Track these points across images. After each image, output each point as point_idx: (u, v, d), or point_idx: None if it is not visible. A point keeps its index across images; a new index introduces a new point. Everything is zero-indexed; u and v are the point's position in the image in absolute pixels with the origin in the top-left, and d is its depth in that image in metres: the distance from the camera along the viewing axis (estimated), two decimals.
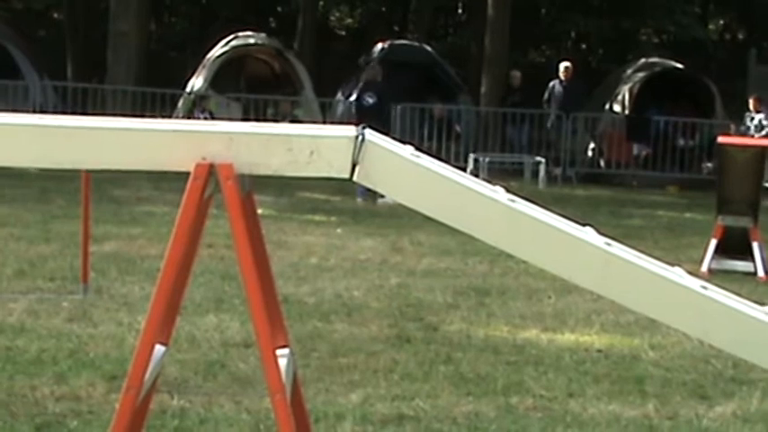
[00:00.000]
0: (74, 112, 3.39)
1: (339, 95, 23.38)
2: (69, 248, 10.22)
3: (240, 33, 22.97)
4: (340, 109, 22.55)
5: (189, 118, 18.93)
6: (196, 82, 22.21)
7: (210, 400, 6.13)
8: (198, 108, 21.25)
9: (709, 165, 21.36)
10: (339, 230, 13.45)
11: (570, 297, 9.47)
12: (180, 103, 21.73)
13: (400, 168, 3.40)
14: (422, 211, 3.40)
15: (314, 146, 3.41)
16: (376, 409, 6.12)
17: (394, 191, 3.45)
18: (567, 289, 9.56)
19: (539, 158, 20.84)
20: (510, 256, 3.27)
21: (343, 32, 35.20)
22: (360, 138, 3.39)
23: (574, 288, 9.47)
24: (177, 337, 7.38)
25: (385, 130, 3.80)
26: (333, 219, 14.58)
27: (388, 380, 6.76)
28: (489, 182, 3.51)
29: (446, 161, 3.49)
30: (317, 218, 14.64)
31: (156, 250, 10.49)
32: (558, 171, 21.62)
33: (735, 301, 3.27)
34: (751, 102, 21.45)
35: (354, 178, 3.41)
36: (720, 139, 12.48)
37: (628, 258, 3.29)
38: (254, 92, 22.02)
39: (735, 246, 11.57)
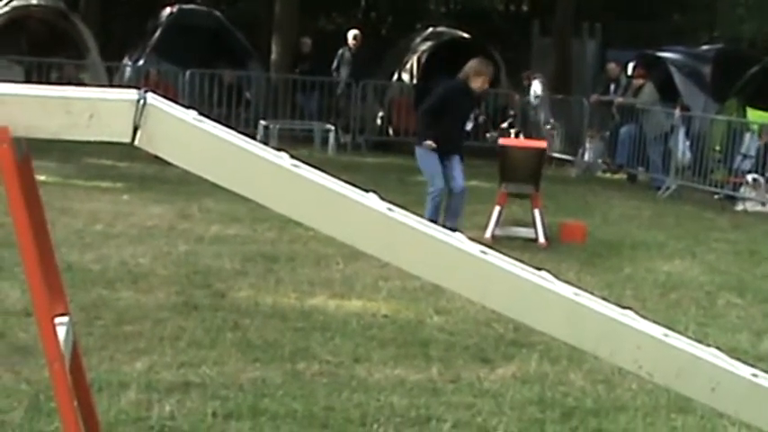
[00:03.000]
0: None
1: (126, 60, 22.94)
2: None
3: None
4: (127, 73, 22.13)
5: None
6: None
7: None
8: None
9: (494, 134, 21.84)
10: (126, 197, 13.22)
11: (358, 263, 9.56)
12: None
13: (182, 133, 3.35)
14: (205, 176, 3.36)
15: (94, 109, 3.33)
16: (161, 377, 6.06)
17: (176, 156, 3.40)
18: (355, 255, 9.64)
19: (328, 126, 20.92)
20: (299, 223, 3.27)
21: None
22: (141, 101, 3.33)
23: (362, 254, 9.49)
24: None
25: None
26: (119, 185, 14.32)
27: (175, 347, 6.70)
28: (277, 149, 3.50)
29: (236, 128, 3.46)
30: (103, 184, 14.35)
31: None
32: (347, 138, 21.75)
33: (512, 265, 3.35)
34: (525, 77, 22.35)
35: (136, 142, 3.34)
36: (502, 142, 13.13)
37: (409, 224, 3.33)
38: (37, 55, 21.36)
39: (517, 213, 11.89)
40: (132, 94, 3.36)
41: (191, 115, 3.41)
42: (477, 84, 12.16)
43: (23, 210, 3.27)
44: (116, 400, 5.57)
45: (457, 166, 11.98)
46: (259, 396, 5.86)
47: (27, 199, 3.33)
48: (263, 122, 20.52)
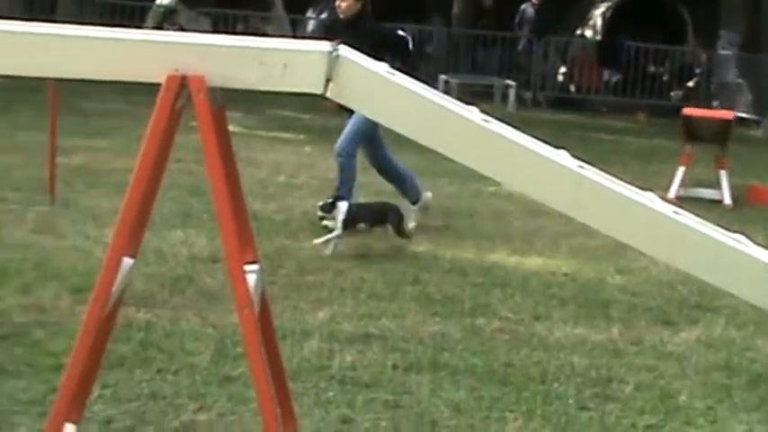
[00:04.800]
0: (40, 20, 3.29)
1: (310, 12, 23.17)
2: (35, 160, 10.12)
3: None
4: (310, 26, 22.37)
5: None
6: None
7: (177, 314, 6.12)
8: (167, 22, 20.99)
9: (679, 92, 21.39)
10: (308, 148, 13.39)
11: (539, 220, 9.49)
12: (149, 16, 21.47)
13: (374, 85, 3.35)
14: (395, 128, 3.36)
15: (287, 60, 3.36)
16: (342, 328, 6.13)
17: (367, 108, 3.42)
18: (536, 212, 9.58)
19: (509, 82, 20.77)
20: (479, 179, 3.27)
21: None
22: (334, 53, 3.35)
23: (542, 211, 9.49)
24: (144, 250, 7.35)
25: None
26: (302, 136, 14.50)
27: (355, 299, 6.77)
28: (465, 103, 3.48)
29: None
30: (286, 135, 14.56)
31: (122, 163, 10.42)
32: (528, 95, 21.58)
33: (706, 226, 3.26)
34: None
35: (327, 94, 3.36)
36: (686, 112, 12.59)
37: (601, 182, 3.27)
38: (224, 7, 21.75)
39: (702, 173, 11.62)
40: (325, 45, 3.38)
41: (382, 68, 3.41)
42: (340, 8, 8.96)
43: (218, 158, 3.33)
44: (299, 348, 5.64)
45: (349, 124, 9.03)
46: (438, 350, 5.87)
47: (221, 147, 3.39)
48: (443, 77, 20.49)
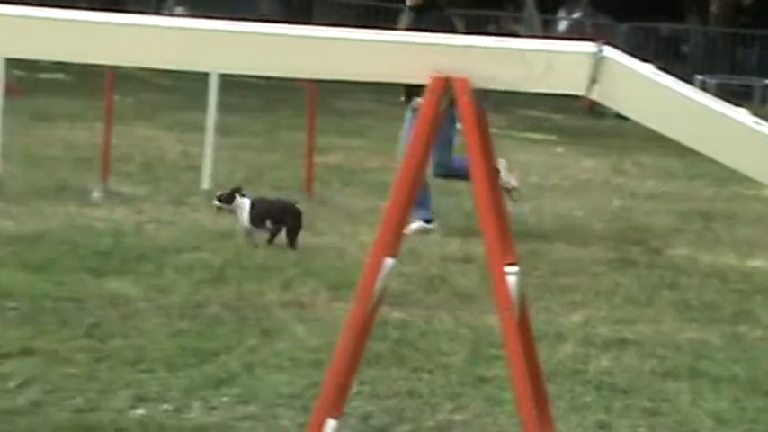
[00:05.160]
0: (297, 22, 3.35)
1: (562, 12, 23.03)
2: (293, 158, 10.41)
3: None
4: (561, 26, 22.23)
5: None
6: None
7: (431, 313, 6.16)
8: None
9: None
10: (560, 149, 13.29)
11: None
12: (401, 18, 21.74)
13: (641, 87, 3.29)
14: (659, 130, 3.29)
15: (550, 61, 3.32)
16: (597, 332, 6.04)
17: (633, 110, 3.34)
18: None
19: None
20: (738, 181, 3.17)
21: None
22: (599, 54, 3.29)
23: None
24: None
25: None
26: (553, 137, 14.40)
27: (610, 302, 6.66)
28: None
29: None
30: (536, 136, 14.49)
31: (376, 163, 10.62)
32: None
33: None
34: None
35: (592, 96, 3.31)
36: None
37: None
38: (476, 7, 21.84)
39: None
40: (590, 46, 3.32)
41: (648, 69, 3.34)
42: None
43: (481, 159, 3.32)
44: (554, 351, 5.58)
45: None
46: (697, 357, 5.70)
47: (484, 149, 3.38)
48: (699, 77, 19.99)
